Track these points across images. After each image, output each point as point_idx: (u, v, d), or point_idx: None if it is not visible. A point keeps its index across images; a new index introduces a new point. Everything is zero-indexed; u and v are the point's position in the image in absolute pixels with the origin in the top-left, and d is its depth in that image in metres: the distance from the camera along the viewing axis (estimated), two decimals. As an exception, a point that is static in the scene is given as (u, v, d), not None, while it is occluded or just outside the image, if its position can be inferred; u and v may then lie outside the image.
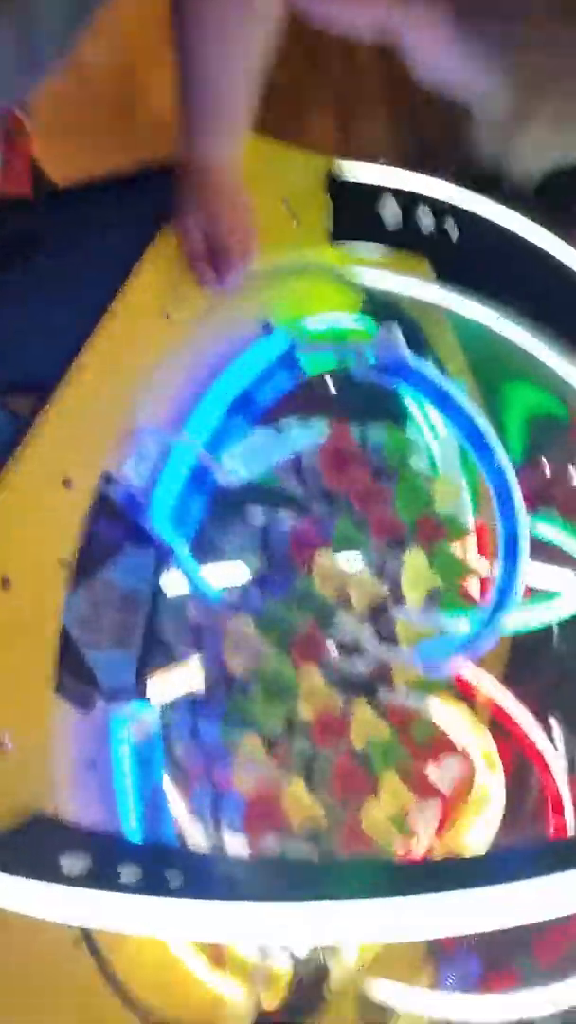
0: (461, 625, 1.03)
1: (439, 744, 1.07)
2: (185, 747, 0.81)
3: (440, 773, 1.06)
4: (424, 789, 1.00)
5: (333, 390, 0.99)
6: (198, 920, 0.57)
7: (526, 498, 0.95)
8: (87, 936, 0.69)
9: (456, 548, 1.10)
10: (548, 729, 1.19)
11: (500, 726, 1.16)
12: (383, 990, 0.99)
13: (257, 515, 0.88)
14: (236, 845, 0.82)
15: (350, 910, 0.56)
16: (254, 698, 0.81)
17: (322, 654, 0.91)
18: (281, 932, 0.80)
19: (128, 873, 0.59)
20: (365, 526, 0.96)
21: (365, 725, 0.94)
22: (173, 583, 0.77)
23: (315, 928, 0.58)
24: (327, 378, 0.96)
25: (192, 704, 0.81)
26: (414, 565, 1.01)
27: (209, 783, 0.81)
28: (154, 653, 0.75)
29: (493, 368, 1.15)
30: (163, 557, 0.75)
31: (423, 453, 1.09)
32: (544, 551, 1.16)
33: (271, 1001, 0.85)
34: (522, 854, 0.68)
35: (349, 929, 0.79)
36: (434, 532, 1.03)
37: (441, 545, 1.04)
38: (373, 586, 0.96)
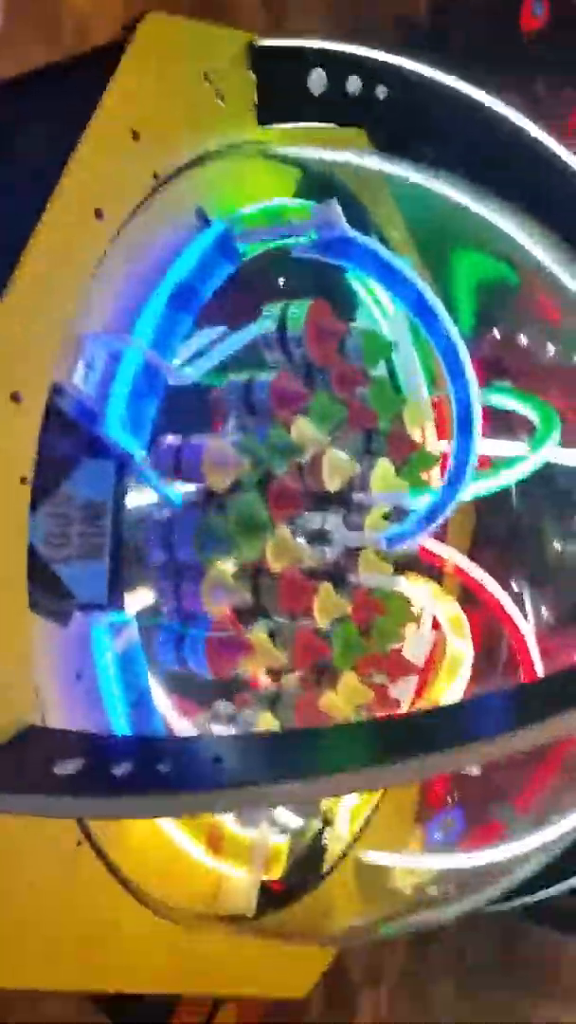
0: (422, 502, 1.04)
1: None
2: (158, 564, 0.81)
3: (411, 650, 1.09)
4: (397, 669, 1.03)
5: (275, 274, 0.98)
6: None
7: (479, 369, 0.96)
8: (88, 836, 0.72)
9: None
10: (517, 594, 1.22)
11: (470, 596, 1.19)
12: (378, 857, 1.04)
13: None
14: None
15: (339, 781, 0.57)
16: (230, 520, 0.82)
17: (294, 513, 0.92)
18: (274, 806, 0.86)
19: (121, 769, 0.60)
20: (341, 409, 0.95)
21: (329, 606, 0.95)
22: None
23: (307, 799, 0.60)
24: (267, 262, 0.94)
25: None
26: (383, 474, 1.03)
27: (176, 601, 0.82)
28: (124, 560, 0.75)
29: (437, 238, 1.13)
30: (123, 465, 0.74)
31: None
32: (501, 420, 1.17)
33: (272, 876, 0.89)
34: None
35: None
36: (404, 450, 1.05)
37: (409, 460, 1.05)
38: (347, 463, 0.96)
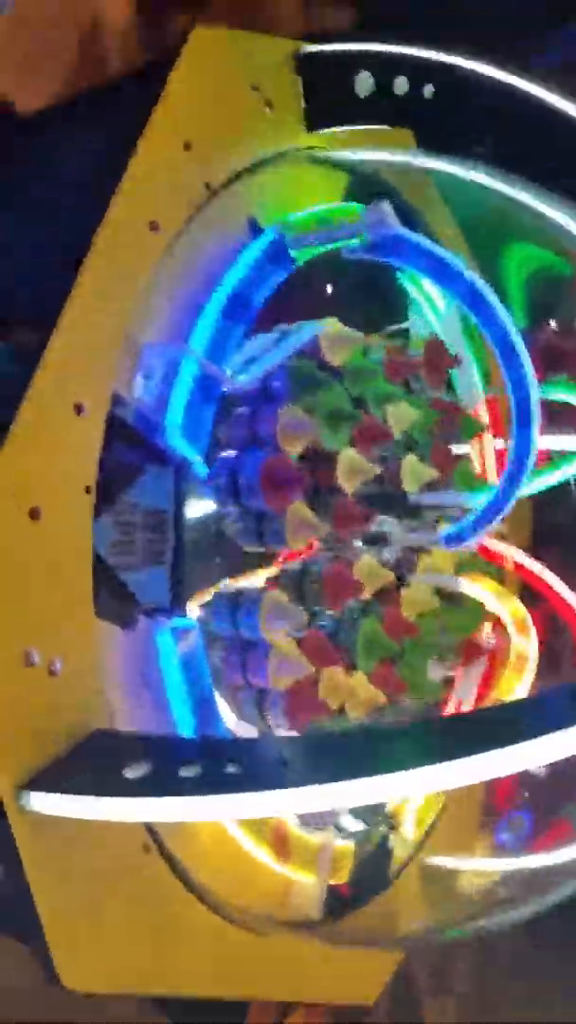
0: (481, 502, 1.04)
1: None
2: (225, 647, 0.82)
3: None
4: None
5: (327, 279, 0.98)
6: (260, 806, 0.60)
7: (535, 363, 0.95)
8: (156, 840, 0.72)
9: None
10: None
11: (532, 592, 1.18)
12: (444, 860, 1.03)
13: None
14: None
15: (406, 779, 0.57)
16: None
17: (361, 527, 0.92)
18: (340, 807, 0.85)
19: (188, 771, 0.61)
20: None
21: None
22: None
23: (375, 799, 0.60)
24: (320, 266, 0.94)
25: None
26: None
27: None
28: (186, 566, 0.76)
29: (488, 233, 1.12)
30: (182, 472, 0.75)
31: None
32: (558, 414, 1.16)
33: (338, 880, 0.89)
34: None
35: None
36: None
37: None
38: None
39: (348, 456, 0.87)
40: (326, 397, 0.87)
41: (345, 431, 0.87)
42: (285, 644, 0.82)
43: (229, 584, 0.83)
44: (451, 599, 1.05)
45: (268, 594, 0.80)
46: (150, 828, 0.72)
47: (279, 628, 0.80)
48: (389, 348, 0.98)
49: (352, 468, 0.87)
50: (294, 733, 0.82)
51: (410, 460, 0.95)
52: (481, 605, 1.07)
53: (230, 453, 0.82)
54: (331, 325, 0.90)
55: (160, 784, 0.61)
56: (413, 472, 0.96)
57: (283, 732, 0.83)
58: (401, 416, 0.94)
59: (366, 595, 0.91)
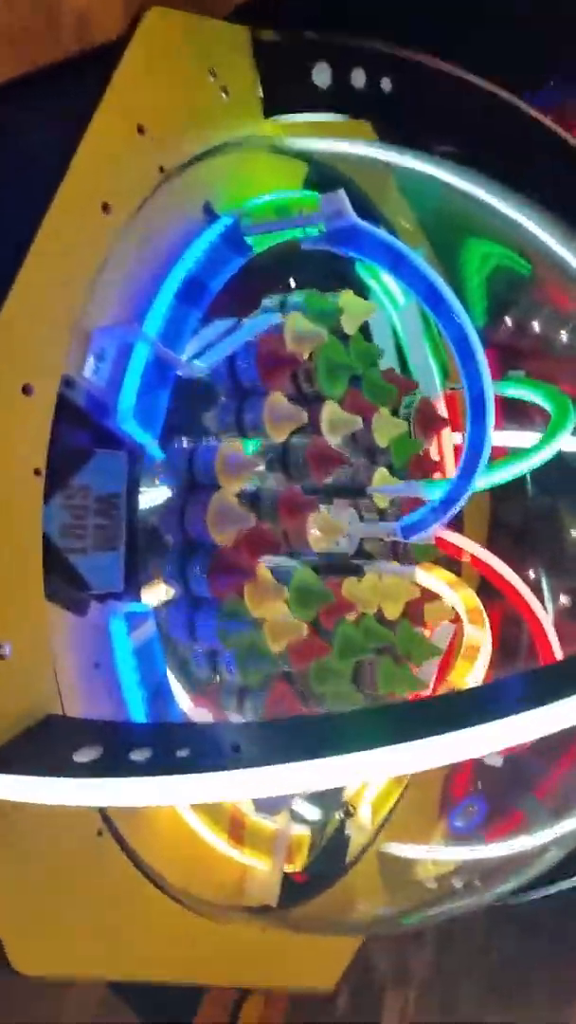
0: (437, 494, 1.04)
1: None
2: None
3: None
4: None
5: (285, 268, 0.98)
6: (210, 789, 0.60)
7: (492, 359, 0.95)
8: (109, 825, 0.72)
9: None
10: (535, 582, 1.22)
11: (488, 585, 1.19)
12: (401, 848, 1.04)
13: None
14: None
15: (358, 761, 0.57)
16: None
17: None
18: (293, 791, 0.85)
19: (139, 755, 0.60)
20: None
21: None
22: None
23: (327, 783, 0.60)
24: (278, 255, 0.94)
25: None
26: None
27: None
28: (139, 551, 0.75)
29: (447, 228, 1.13)
30: (135, 456, 0.75)
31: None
32: (516, 410, 1.17)
33: (295, 867, 0.89)
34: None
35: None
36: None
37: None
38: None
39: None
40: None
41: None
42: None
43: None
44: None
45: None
46: (104, 813, 0.71)
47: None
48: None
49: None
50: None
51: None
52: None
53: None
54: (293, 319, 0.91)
55: (110, 768, 0.61)
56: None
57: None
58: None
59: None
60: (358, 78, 0.98)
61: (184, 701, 0.84)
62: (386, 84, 1.00)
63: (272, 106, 0.93)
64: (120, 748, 0.62)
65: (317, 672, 0.89)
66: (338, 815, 0.97)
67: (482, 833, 1.09)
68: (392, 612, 1.02)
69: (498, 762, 1.05)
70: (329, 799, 0.98)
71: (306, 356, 0.91)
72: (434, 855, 1.06)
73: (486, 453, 0.98)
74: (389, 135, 1.06)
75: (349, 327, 1.01)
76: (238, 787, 0.61)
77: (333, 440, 0.94)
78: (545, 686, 0.60)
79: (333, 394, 0.96)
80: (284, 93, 0.94)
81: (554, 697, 0.56)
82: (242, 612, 0.82)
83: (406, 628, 1.04)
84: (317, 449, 0.91)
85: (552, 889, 1.13)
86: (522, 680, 0.67)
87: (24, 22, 0.75)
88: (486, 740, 0.57)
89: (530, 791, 1.14)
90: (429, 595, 1.11)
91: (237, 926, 0.85)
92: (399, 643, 1.01)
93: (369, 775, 0.89)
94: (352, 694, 0.94)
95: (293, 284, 1.04)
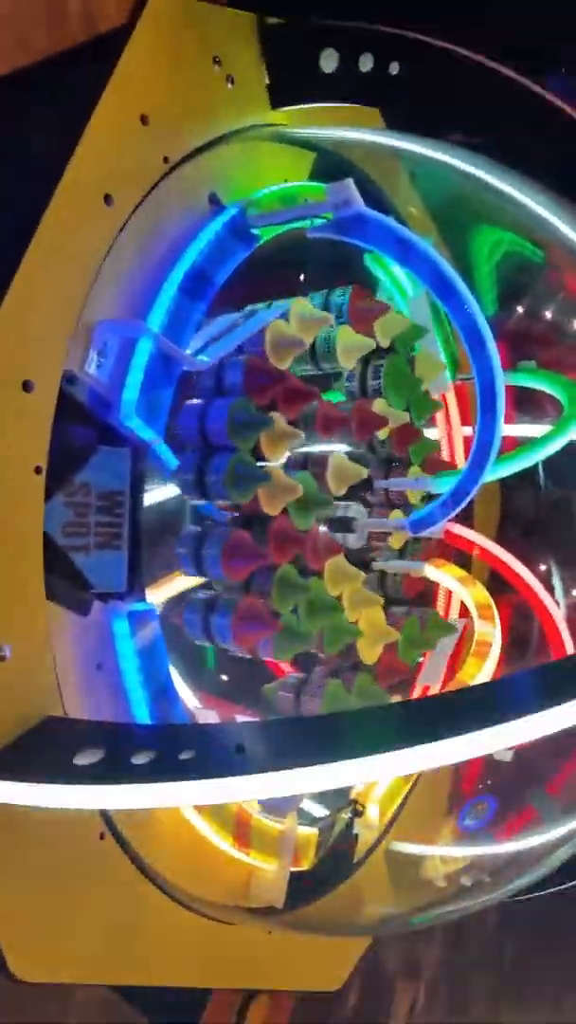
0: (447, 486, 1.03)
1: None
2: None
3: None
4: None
5: (292, 259, 0.97)
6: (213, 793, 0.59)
7: (503, 350, 0.94)
8: (112, 828, 0.71)
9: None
10: (546, 576, 1.20)
11: (499, 580, 1.18)
12: (410, 846, 1.03)
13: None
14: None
15: (366, 765, 0.56)
16: None
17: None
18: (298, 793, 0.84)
19: (141, 757, 0.59)
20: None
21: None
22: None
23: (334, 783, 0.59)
24: (284, 246, 0.92)
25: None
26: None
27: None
28: (143, 550, 0.74)
29: (457, 215, 1.11)
30: (139, 453, 0.73)
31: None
32: (526, 401, 1.15)
33: (302, 867, 0.88)
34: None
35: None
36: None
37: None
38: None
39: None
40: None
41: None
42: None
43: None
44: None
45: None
46: (106, 816, 0.71)
47: None
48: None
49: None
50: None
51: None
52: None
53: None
54: (298, 304, 0.89)
55: (112, 771, 0.60)
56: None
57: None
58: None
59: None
60: (366, 63, 0.96)
61: (189, 700, 0.83)
62: (394, 68, 0.98)
63: (279, 94, 0.91)
64: (122, 751, 0.61)
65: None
66: (346, 814, 0.96)
67: (492, 830, 1.08)
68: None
69: (508, 757, 1.04)
70: (336, 798, 0.97)
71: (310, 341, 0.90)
72: (443, 853, 1.05)
73: (497, 445, 0.97)
74: (398, 122, 1.05)
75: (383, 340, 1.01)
76: (241, 790, 0.60)
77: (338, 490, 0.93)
78: (557, 682, 0.59)
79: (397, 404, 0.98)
80: (291, 81, 0.92)
81: (566, 694, 0.55)
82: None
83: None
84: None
85: (565, 885, 1.12)
86: (533, 676, 0.66)
87: (28, 12, 0.73)
88: (497, 738, 0.56)
89: (541, 786, 1.12)
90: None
91: (243, 928, 0.84)
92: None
93: (377, 776, 0.89)
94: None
95: (302, 278, 1.03)
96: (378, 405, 0.99)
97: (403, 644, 0.97)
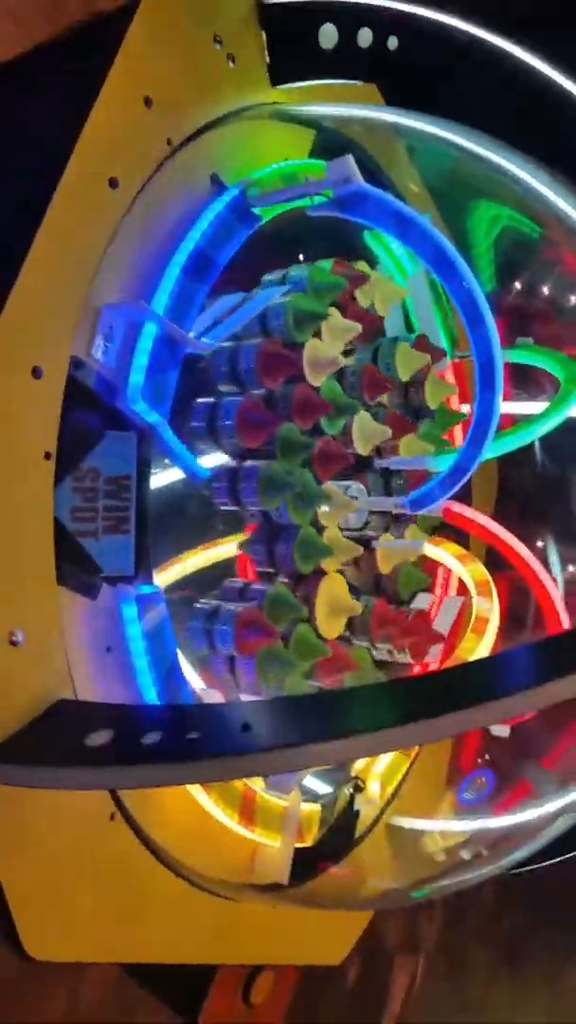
0: (445, 464, 1.03)
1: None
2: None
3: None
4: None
5: (292, 238, 0.96)
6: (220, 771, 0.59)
7: (501, 328, 0.94)
8: (121, 808, 0.72)
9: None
10: (543, 552, 1.21)
11: (496, 557, 1.18)
12: (410, 821, 1.04)
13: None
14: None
15: (368, 740, 0.57)
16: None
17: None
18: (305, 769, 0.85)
19: (150, 738, 0.60)
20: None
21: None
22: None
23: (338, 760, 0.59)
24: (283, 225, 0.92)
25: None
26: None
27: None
28: (150, 533, 0.75)
29: (455, 191, 1.11)
30: (145, 437, 0.74)
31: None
32: (523, 378, 1.15)
33: (305, 843, 0.89)
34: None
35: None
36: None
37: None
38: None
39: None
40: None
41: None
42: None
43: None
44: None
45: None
46: (116, 796, 0.72)
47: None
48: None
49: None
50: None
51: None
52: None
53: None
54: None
55: (122, 751, 0.60)
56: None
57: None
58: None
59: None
60: (364, 37, 0.96)
61: (195, 681, 0.84)
62: (392, 43, 0.98)
63: (279, 72, 0.91)
64: (131, 731, 0.62)
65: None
66: (347, 789, 0.98)
67: (490, 804, 1.09)
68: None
69: (505, 732, 1.05)
70: (338, 774, 0.98)
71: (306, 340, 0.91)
72: (443, 827, 1.07)
73: (495, 422, 0.97)
74: (396, 98, 1.04)
75: (381, 309, 1.01)
76: (247, 768, 0.61)
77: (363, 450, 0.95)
78: (554, 657, 0.60)
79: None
80: (291, 58, 0.91)
81: (564, 668, 0.55)
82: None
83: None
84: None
85: (562, 857, 1.14)
86: (530, 652, 0.66)
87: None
88: (494, 713, 0.57)
89: (538, 760, 1.14)
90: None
91: (248, 904, 0.86)
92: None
93: (379, 752, 0.90)
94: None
95: (302, 257, 1.03)
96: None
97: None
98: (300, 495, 0.88)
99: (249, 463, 0.87)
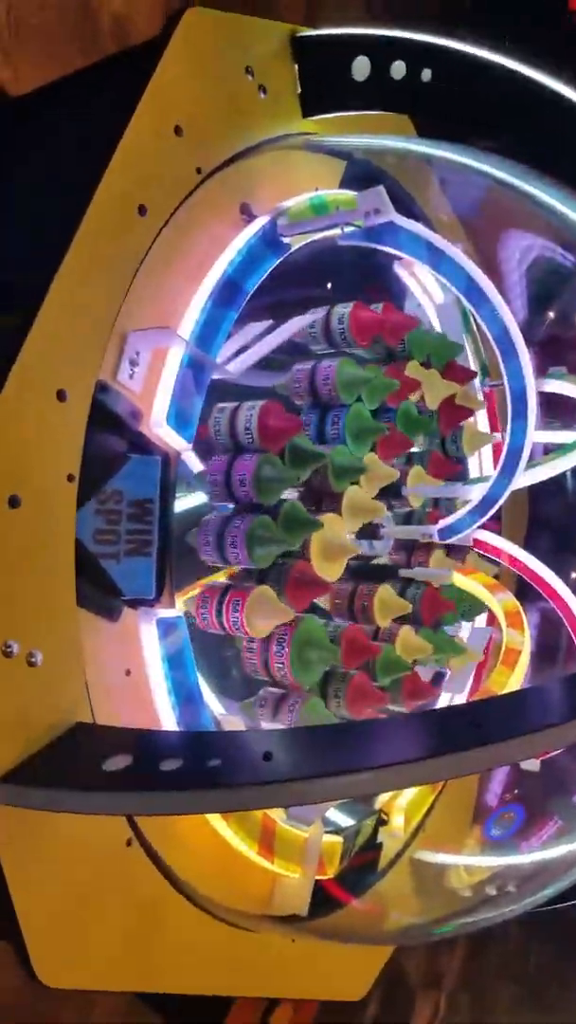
0: (477, 493, 1.03)
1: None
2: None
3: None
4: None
5: (320, 267, 0.97)
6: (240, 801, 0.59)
7: (533, 357, 0.94)
8: (139, 835, 0.71)
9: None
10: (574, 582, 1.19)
11: (527, 587, 1.17)
12: (435, 855, 1.02)
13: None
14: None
15: (392, 775, 0.56)
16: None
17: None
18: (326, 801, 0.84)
19: (169, 765, 0.59)
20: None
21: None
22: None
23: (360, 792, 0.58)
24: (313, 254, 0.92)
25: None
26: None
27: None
28: (172, 558, 0.75)
29: (487, 221, 1.11)
30: (168, 462, 0.74)
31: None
32: (556, 407, 1.14)
33: (326, 875, 0.88)
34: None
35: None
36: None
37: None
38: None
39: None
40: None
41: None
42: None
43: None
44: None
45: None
46: (133, 822, 0.71)
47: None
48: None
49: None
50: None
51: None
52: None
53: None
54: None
55: (140, 778, 0.60)
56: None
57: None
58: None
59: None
60: (398, 70, 0.96)
61: (215, 706, 0.84)
62: (426, 75, 0.98)
63: (310, 103, 0.92)
64: (150, 758, 0.61)
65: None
66: (371, 822, 0.96)
67: (518, 840, 1.07)
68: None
69: (535, 767, 1.03)
70: (361, 805, 0.97)
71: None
72: (469, 862, 1.05)
73: (527, 451, 0.97)
74: (429, 129, 1.04)
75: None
76: (267, 799, 0.61)
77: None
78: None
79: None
80: (323, 90, 0.92)
81: None
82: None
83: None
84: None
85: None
86: (562, 686, 0.65)
87: (62, 26, 0.74)
88: (525, 749, 0.56)
89: (569, 796, 1.12)
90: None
91: (267, 936, 0.84)
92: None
93: (403, 786, 0.89)
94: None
95: (329, 286, 1.03)
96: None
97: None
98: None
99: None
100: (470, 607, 1.12)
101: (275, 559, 0.81)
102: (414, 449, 1.05)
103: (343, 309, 0.96)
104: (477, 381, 1.19)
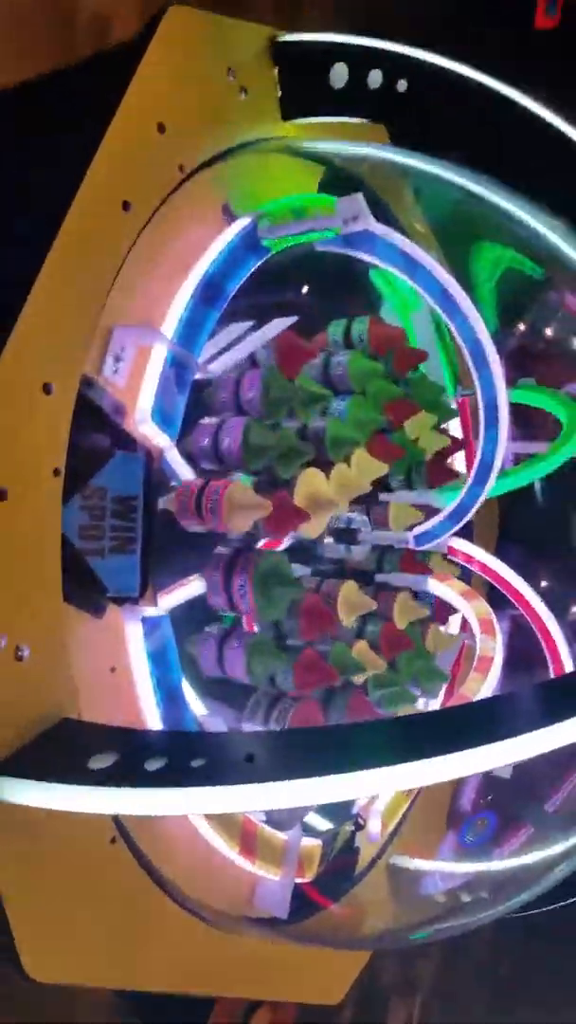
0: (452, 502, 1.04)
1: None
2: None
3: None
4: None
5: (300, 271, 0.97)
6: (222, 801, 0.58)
7: (505, 366, 0.95)
8: (123, 833, 0.70)
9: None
10: (545, 590, 1.21)
11: (498, 594, 1.18)
12: (410, 861, 1.02)
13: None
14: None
15: (372, 776, 0.56)
16: None
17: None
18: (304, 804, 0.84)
19: (154, 763, 0.59)
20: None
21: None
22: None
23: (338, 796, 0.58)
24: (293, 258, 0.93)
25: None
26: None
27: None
28: (155, 555, 0.74)
29: (461, 232, 1.12)
30: (152, 458, 0.73)
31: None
32: (525, 418, 1.16)
33: (305, 878, 0.87)
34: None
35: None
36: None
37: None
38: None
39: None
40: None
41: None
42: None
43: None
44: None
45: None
46: (118, 821, 0.70)
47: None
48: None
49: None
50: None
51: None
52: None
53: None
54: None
55: (125, 775, 0.59)
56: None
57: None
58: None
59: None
60: (375, 79, 0.97)
61: (197, 706, 0.83)
62: (402, 85, 0.99)
63: (290, 107, 0.92)
64: (135, 756, 0.61)
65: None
66: (348, 826, 0.96)
67: (492, 846, 1.08)
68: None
69: (507, 774, 1.04)
70: (339, 810, 0.96)
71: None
72: (443, 868, 1.05)
73: (499, 460, 0.98)
74: (403, 139, 1.06)
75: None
76: (250, 800, 0.60)
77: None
78: (557, 699, 0.59)
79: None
80: (302, 94, 0.93)
81: (566, 712, 0.55)
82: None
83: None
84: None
85: (562, 903, 1.12)
86: (534, 694, 0.65)
87: (41, 23, 0.74)
88: (496, 756, 0.56)
89: (541, 804, 1.12)
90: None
91: (247, 938, 0.84)
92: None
93: (383, 790, 0.88)
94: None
95: (305, 289, 1.04)
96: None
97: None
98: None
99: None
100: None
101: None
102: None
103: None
104: (448, 389, 1.20)
